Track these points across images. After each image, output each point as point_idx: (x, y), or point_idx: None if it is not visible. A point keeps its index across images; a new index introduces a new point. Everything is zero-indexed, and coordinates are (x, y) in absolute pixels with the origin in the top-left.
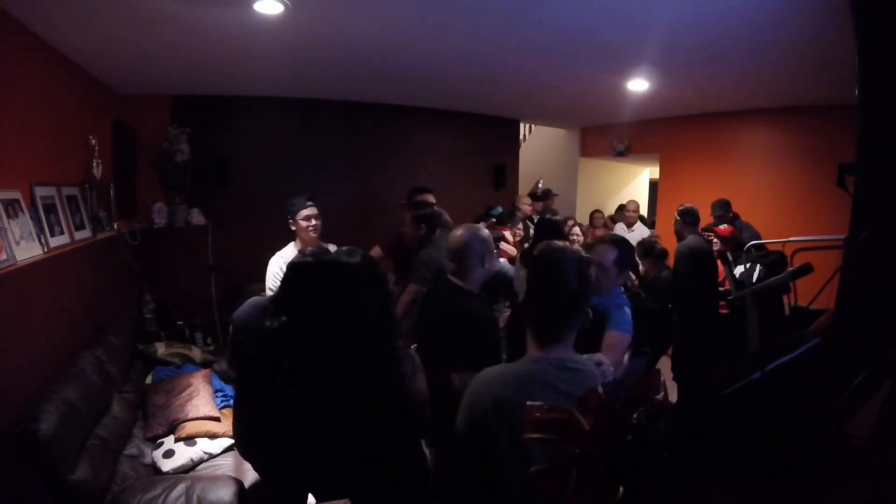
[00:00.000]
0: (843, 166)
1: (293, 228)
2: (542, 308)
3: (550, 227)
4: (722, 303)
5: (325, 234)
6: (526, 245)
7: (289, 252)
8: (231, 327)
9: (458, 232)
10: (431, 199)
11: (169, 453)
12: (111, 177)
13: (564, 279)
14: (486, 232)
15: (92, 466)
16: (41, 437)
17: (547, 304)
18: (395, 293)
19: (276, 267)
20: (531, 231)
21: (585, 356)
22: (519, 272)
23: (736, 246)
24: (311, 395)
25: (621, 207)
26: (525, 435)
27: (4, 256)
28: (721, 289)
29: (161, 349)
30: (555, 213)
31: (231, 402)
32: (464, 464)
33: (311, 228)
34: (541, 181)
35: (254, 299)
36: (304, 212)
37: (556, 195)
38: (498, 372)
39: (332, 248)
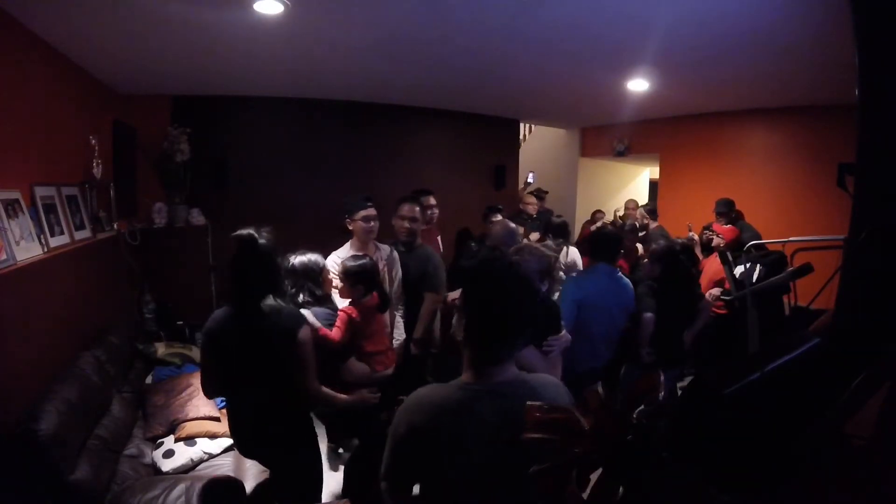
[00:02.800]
0: (843, 166)
1: (350, 228)
2: (479, 330)
3: (559, 228)
4: (719, 303)
5: (326, 233)
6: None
7: (344, 252)
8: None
9: (497, 228)
10: (433, 200)
11: (169, 453)
12: (111, 177)
13: (507, 298)
14: (513, 225)
15: (92, 466)
16: (41, 437)
17: (486, 326)
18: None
19: (332, 264)
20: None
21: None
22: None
23: (736, 246)
24: None
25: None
26: (525, 435)
27: (4, 256)
28: (721, 289)
29: (161, 349)
30: (550, 212)
31: None
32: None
33: (368, 229)
34: (531, 174)
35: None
36: (363, 212)
37: (547, 192)
38: (420, 397)
39: (385, 248)
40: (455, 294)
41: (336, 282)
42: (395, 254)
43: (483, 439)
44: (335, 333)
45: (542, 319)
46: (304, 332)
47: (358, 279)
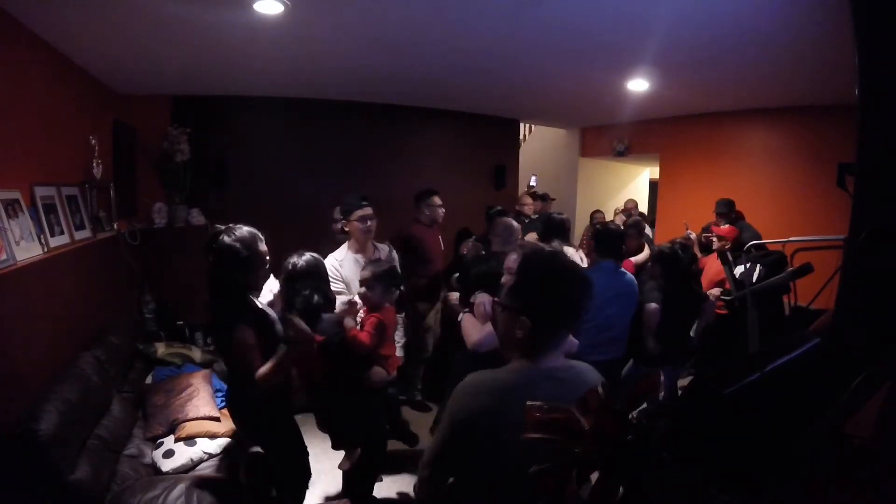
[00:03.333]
0: (843, 166)
1: (346, 229)
2: (541, 316)
3: (558, 227)
4: (720, 303)
5: (323, 233)
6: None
7: (341, 254)
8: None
9: (498, 225)
10: (438, 200)
11: (169, 453)
12: (111, 177)
13: (567, 285)
14: (515, 223)
15: (92, 466)
16: (41, 437)
17: (547, 312)
18: None
19: (330, 266)
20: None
21: None
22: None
23: (736, 246)
24: None
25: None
26: (525, 435)
27: (4, 256)
28: (721, 289)
29: (161, 349)
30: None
31: None
32: (441, 469)
33: (366, 230)
34: (533, 177)
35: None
36: (359, 212)
37: (554, 199)
38: (478, 382)
39: (384, 248)
40: (455, 295)
41: (334, 286)
42: (395, 253)
43: None
44: (366, 338)
45: None
46: (238, 333)
47: (393, 281)
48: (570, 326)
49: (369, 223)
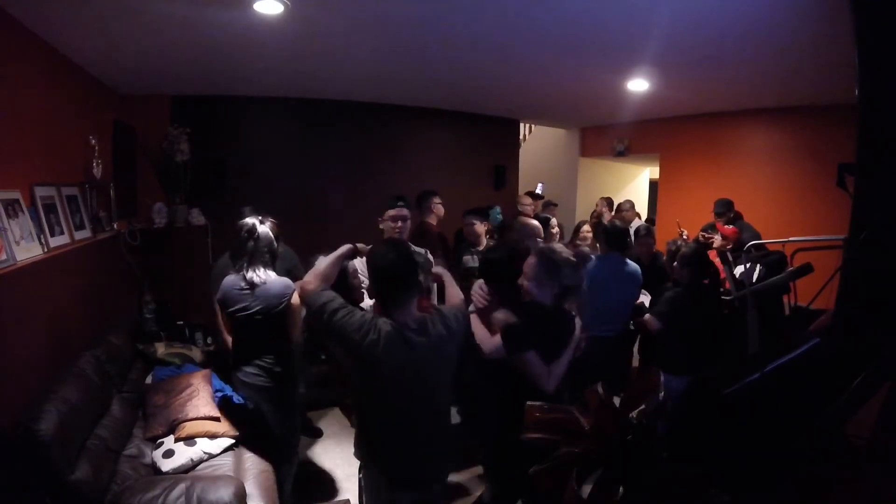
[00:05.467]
0: (843, 166)
1: (381, 228)
2: (382, 288)
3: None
4: None
5: (323, 233)
6: None
7: None
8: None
9: (519, 226)
10: (438, 200)
11: (169, 453)
12: (111, 177)
13: (391, 269)
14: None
15: (92, 466)
16: (41, 437)
17: (382, 285)
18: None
19: (359, 263)
20: None
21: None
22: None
23: (736, 246)
24: None
25: (618, 208)
26: (525, 435)
27: (4, 256)
28: (721, 289)
29: (161, 349)
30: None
31: (232, 400)
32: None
33: (396, 229)
34: (540, 185)
35: None
36: (390, 212)
37: (556, 206)
38: (373, 324)
39: (420, 251)
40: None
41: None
42: (430, 256)
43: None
44: None
45: (551, 331)
46: (294, 298)
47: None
48: (405, 295)
49: (400, 223)
